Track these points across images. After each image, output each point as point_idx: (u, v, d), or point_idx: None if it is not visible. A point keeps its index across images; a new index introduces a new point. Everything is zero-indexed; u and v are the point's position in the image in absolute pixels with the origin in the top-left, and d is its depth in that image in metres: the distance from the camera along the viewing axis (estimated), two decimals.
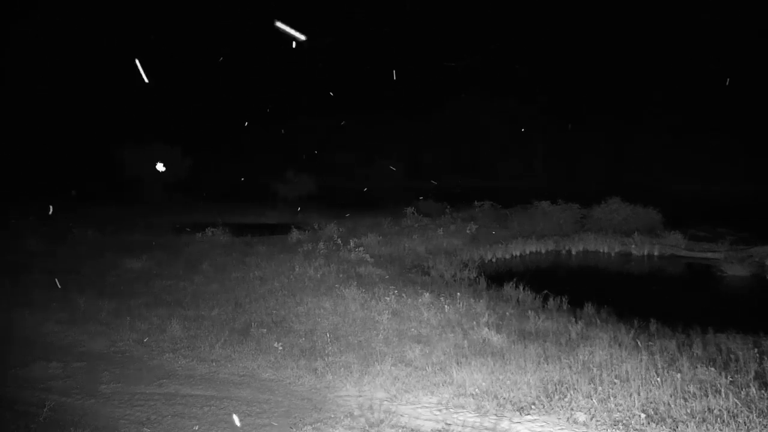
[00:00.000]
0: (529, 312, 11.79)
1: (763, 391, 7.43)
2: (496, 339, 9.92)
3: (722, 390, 7.47)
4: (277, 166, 45.80)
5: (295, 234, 22.46)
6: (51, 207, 27.16)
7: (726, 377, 7.89)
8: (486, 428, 6.93)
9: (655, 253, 22.44)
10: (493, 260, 21.79)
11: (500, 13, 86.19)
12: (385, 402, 7.67)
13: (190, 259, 18.01)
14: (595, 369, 8.33)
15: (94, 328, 10.98)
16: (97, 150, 47.86)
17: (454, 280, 16.08)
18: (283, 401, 7.82)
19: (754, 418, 6.73)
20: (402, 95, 76.22)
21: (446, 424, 7.06)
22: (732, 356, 8.97)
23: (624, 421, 6.87)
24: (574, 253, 23.43)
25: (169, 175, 41.14)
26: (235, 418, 7.16)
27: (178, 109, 62.63)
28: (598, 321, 11.37)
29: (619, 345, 9.47)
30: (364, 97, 74.83)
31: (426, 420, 7.19)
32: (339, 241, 20.22)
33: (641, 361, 8.53)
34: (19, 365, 9.06)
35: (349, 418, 7.18)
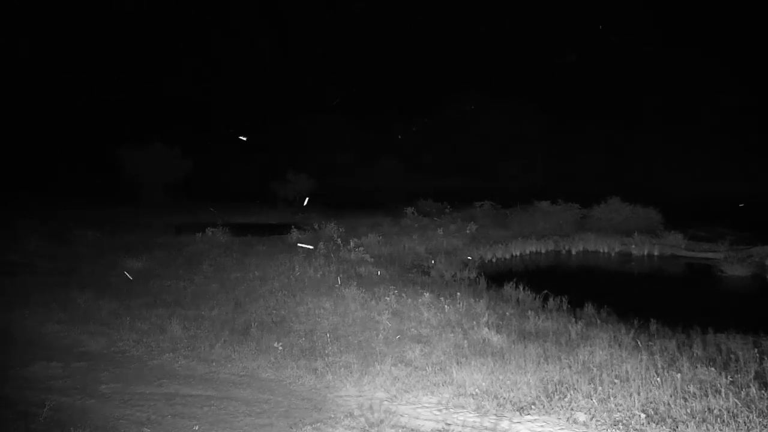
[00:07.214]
0: (529, 312, 11.79)
1: (763, 391, 7.43)
2: (496, 339, 9.91)
3: (722, 390, 7.47)
4: (276, 166, 45.82)
5: (295, 234, 22.46)
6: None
7: (726, 377, 7.89)
8: (486, 428, 6.93)
9: (655, 253, 22.45)
10: (493, 260, 21.79)
11: (499, 13, 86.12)
12: (385, 402, 7.67)
13: (190, 259, 18.01)
14: (595, 369, 8.33)
15: (94, 328, 10.97)
16: (97, 150, 47.90)
17: (454, 280, 16.08)
18: (283, 401, 7.81)
19: (754, 418, 6.73)
20: (402, 95, 76.30)
21: (446, 424, 7.05)
22: (732, 356, 8.96)
23: (624, 421, 6.87)
24: (574, 253, 23.43)
25: (169, 175, 41.14)
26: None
27: (178, 110, 62.66)
28: (598, 321, 11.36)
29: (619, 345, 9.47)
30: (363, 96, 74.89)
31: (426, 420, 7.18)
32: (339, 241, 20.23)
33: (641, 361, 8.52)
34: (19, 365, 9.05)
35: (349, 418, 7.17)
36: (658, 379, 7.83)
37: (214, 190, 49.20)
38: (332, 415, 7.31)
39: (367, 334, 10.36)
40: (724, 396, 7.30)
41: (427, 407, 7.53)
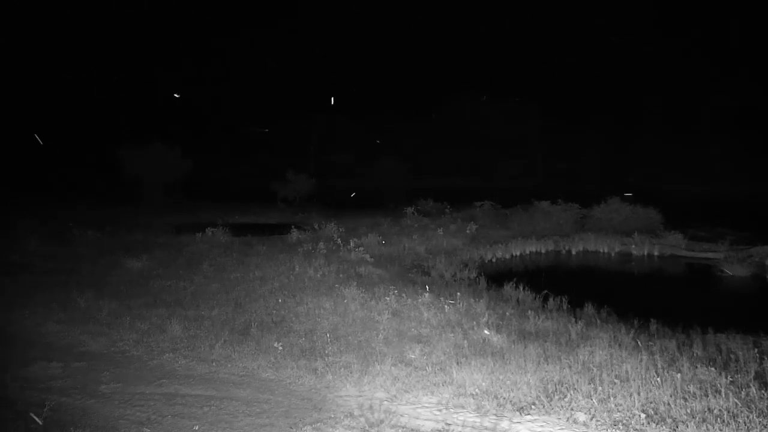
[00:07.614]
0: (529, 312, 11.78)
1: (763, 391, 7.43)
2: (496, 339, 9.91)
3: (722, 390, 7.47)
4: (276, 166, 45.81)
5: (295, 234, 22.47)
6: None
7: (726, 377, 7.89)
8: (486, 428, 6.93)
9: (655, 253, 22.44)
10: (493, 260, 21.79)
11: (499, 13, 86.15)
12: (385, 402, 7.67)
13: (190, 259, 18.01)
14: (595, 369, 8.33)
15: (94, 328, 10.98)
16: (97, 150, 47.91)
17: (454, 280, 16.08)
18: (283, 401, 7.82)
19: (754, 418, 6.73)
20: (402, 95, 76.30)
21: (446, 424, 7.05)
22: (732, 356, 8.96)
23: (624, 421, 6.87)
24: (574, 253, 23.42)
25: (169, 175, 41.14)
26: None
27: (178, 110, 62.65)
28: (598, 321, 11.36)
29: (619, 345, 9.46)
30: (364, 97, 74.89)
31: (426, 420, 7.18)
32: (339, 241, 20.22)
33: (641, 361, 8.52)
34: (19, 365, 9.05)
35: (349, 418, 7.18)
36: (658, 379, 7.83)
37: (213, 190, 49.20)
38: (332, 415, 7.32)
39: (367, 334, 10.36)
40: (724, 396, 7.30)
41: (427, 407, 7.53)
